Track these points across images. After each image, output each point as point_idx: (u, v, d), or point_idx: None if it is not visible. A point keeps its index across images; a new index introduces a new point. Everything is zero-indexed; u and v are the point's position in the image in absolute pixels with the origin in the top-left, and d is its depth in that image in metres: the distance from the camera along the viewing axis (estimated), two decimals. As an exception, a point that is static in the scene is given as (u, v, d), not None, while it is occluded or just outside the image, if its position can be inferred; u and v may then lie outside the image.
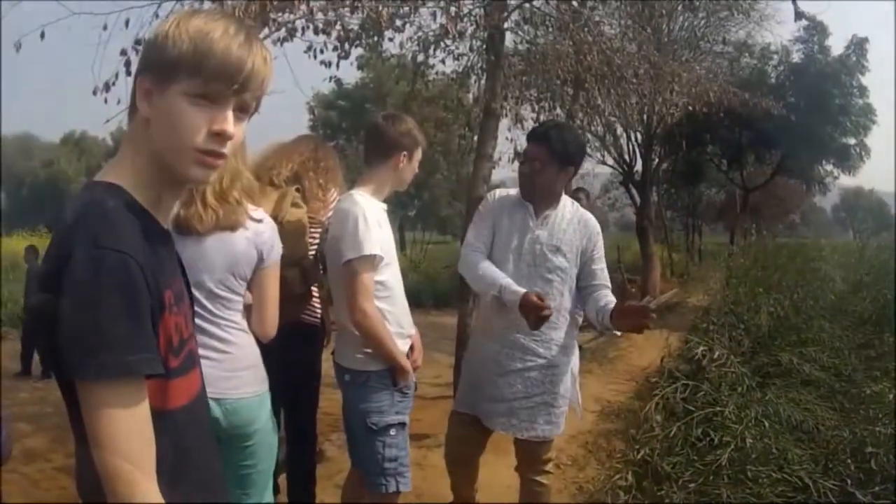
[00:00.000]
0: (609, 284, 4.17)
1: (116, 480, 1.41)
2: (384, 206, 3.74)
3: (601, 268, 4.17)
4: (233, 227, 3.15)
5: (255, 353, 3.22)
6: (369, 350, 3.59)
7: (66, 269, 1.38)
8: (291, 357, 4.18)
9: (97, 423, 1.40)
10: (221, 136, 1.55)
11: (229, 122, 1.56)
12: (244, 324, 3.22)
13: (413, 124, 3.77)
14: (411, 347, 3.84)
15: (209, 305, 3.09)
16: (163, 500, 1.46)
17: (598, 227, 4.20)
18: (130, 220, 1.48)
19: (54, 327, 1.38)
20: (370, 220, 3.49)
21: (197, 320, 2.86)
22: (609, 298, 4.01)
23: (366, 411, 3.61)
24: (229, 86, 1.53)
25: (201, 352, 2.82)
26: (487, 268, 3.99)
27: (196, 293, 2.91)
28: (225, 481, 1.86)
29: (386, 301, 3.63)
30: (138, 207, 1.53)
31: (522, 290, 3.76)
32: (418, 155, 3.76)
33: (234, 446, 3.12)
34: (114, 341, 1.37)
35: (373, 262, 3.50)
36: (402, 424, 3.68)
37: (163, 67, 1.51)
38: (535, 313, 3.69)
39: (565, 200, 4.19)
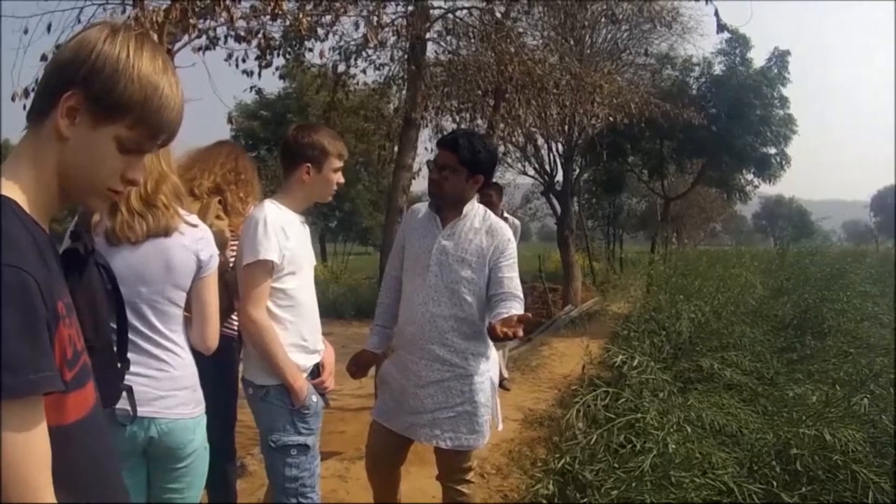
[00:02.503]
0: (518, 293, 4.00)
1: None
2: (300, 217, 3.67)
3: (510, 276, 4.02)
4: (166, 233, 2.94)
5: (193, 372, 3.07)
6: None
7: None
8: (209, 369, 4.10)
9: None
10: (132, 182, 1.60)
11: (143, 171, 1.62)
12: (184, 340, 3.05)
13: (325, 135, 3.67)
14: (322, 366, 3.78)
15: (152, 318, 2.91)
16: None
17: (508, 235, 4.12)
18: (23, 234, 1.41)
19: None
20: (270, 225, 3.42)
21: (134, 336, 2.75)
22: (502, 309, 3.83)
23: (267, 429, 3.57)
24: (158, 143, 1.59)
25: (138, 369, 2.75)
26: (382, 301, 4.37)
27: (134, 307, 2.80)
28: (127, 497, 1.79)
29: (288, 311, 3.56)
30: (28, 219, 1.46)
31: (372, 342, 4.30)
32: (330, 166, 3.65)
33: (163, 468, 3.02)
34: (14, 361, 1.30)
35: (267, 268, 3.43)
36: (305, 446, 3.59)
37: (103, 102, 1.49)
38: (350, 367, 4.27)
39: (477, 209, 4.14)
